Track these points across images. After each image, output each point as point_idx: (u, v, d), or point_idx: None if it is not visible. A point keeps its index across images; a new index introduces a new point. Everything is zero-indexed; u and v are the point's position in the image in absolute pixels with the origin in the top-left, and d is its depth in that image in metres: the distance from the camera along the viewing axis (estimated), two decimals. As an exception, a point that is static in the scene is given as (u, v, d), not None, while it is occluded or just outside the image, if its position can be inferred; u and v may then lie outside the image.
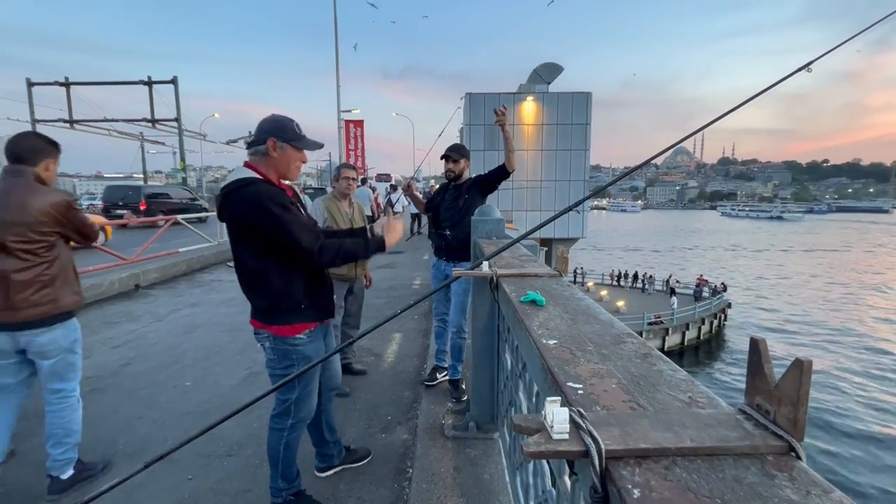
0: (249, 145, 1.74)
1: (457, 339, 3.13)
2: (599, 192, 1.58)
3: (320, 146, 1.84)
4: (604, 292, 27.86)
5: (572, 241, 22.89)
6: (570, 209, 1.35)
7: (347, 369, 3.52)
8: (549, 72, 21.97)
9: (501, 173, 3.04)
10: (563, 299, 1.18)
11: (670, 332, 22.63)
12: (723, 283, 29.91)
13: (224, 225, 1.72)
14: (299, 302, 1.75)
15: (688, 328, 23.25)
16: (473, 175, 3.52)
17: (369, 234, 1.86)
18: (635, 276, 31.93)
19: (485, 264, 1.45)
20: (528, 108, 21.22)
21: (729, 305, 28.05)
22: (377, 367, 3.77)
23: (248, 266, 1.69)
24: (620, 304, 25.00)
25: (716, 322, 25.62)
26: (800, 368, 0.50)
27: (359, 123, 24.54)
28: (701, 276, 31.81)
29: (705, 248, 61.41)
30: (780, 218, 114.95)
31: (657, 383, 0.68)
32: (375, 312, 5.15)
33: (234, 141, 36.80)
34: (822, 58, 1.46)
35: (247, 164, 1.74)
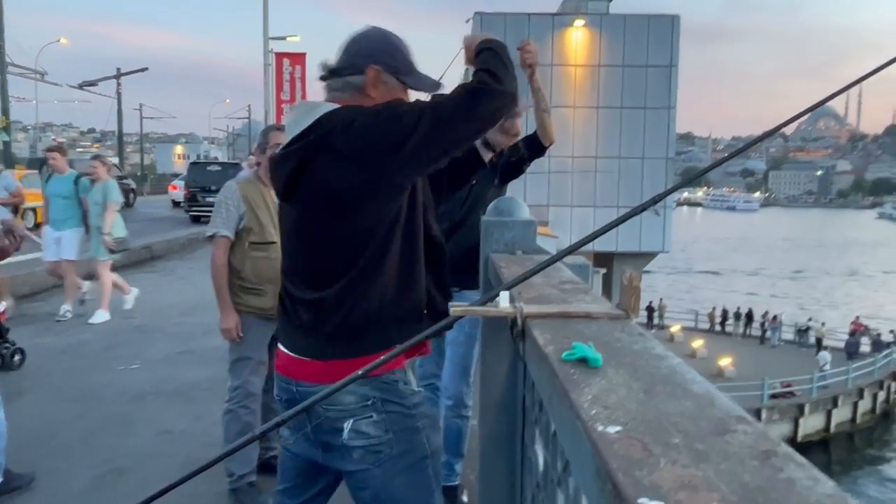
0: (330, 73, 1.78)
1: (455, 419, 3.15)
2: (692, 182, 1.61)
3: (438, 86, 1.87)
4: (697, 343, 28.06)
5: (648, 257, 23.05)
6: (643, 208, 1.37)
7: (270, 468, 3.50)
8: (610, -20, 22.36)
9: (532, 148, 3.09)
10: (630, 357, 1.18)
11: (807, 410, 22.73)
12: (893, 332, 30.14)
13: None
14: (386, 310, 1.76)
15: (836, 404, 23.39)
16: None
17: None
18: (749, 318, 32.16)
19: (503, 296, 1.46)
20: (577, 40, 21.53)
21: (904, 368, 28.27)
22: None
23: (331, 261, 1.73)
24: (724, 362, 25.18)
25: (883, 394, 25.81)
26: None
27: (298, 58, 24.79)
28: (857, 318, 32.10)
29: (859, 272, 61.84)
30: None
31: (786, 501, 0.68)
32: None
33: (93, 83, 37.08)
34: None
35: (334, 102, 1.76)
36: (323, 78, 1.80)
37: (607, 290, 20.89)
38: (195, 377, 5.40)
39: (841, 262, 69.93)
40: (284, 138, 1.79)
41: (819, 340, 29.49)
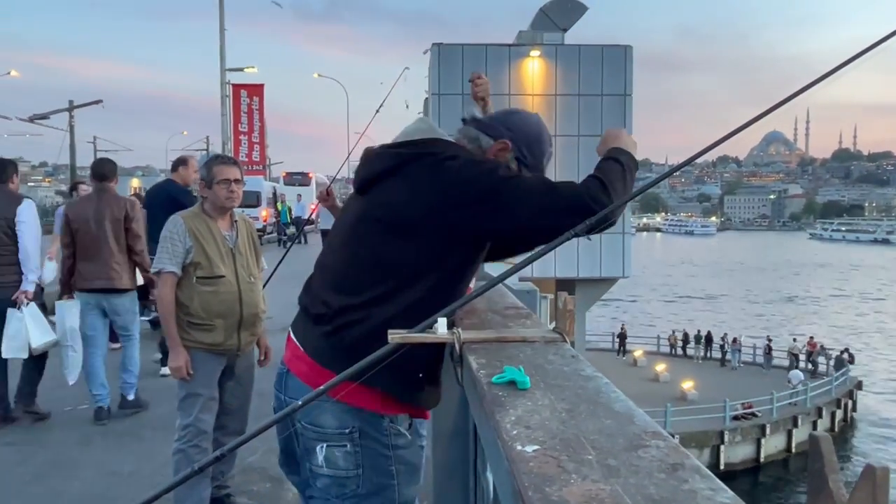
0: (473, 120, 1.89)
1: (409, 448, 3.12)
2: (631, 199, 1.68)
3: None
4: (660, 367, 28.37)
5: (609, 282, 23.37)
6: (572, 235, 1.41)
7: (223, 506, 3.44)
8: (564, 11, 22.99)
9: None
10: (560, 378, 1.22)
11: (768, 430, 23.09)
12: (846, 350, 30.94)
13: None
14: (417, 363, 1.66)
15: (796, 424, 23.83)
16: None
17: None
18: (709, 340, 32.69)
19: (441, 322, 1.48)
20: (533, 70, 22.03)
21: (859, 386, 29.00)
22: (276, 500, 3.75)
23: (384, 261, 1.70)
24: (687, 385, 25.49)
25: (840, 413, 26.41)
26: (871, 479, 0.55)
27: (256, 89, 24.79)
28: (812, 338, 32.91)
29: (808, 293, 63.67)
30: (885, 241, 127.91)
31: (686, 511, 0.72)
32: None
33: (44, 117, 36.34)
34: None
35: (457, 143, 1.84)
36: (465, 120, 1.91)
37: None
38: (145, 415, 5.27)
39: (786, 281, 71.98)
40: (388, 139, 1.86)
41: (796, 356, 30.10)
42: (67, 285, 5.17)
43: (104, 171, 5.32)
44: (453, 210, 1.62)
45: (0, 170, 4.99)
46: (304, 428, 1.72)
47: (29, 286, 4.82)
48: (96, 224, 5.04)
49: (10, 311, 4.74)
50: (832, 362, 29.86)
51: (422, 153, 1.71)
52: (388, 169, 1.73)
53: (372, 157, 1.81)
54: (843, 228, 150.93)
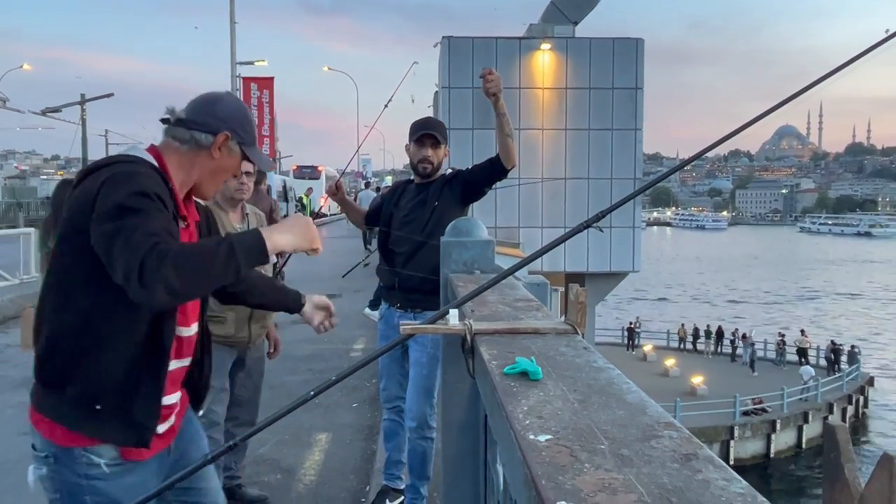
0: (177, 122, 1.82)
1: (419, 440, 3.15)
2: (641, 193, 1.67)
3: (272, 165, 2.05)
4: (670, 361, 28.27)
5: (619, 277, 23.31)
6: (585, 226, 1.41)
7: (234, 496, 3.47)
8: (575, 4, 22.87)
9: (494, 170, 3.14)
10: (571, 370, 1.22)
11: (779, 426, 22.98)
12: (854, 346, 30.66)
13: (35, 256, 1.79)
14: (92, 394, 1.67)
15: (807, 420, 23.70)
16: (451, 169, 3.60)
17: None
18: (719, 335, 32.52)
19: (452, 313, 1.48)
20: (544, 63, 21.93)
21: (871, 382, 28.80)
22: (287, 492, 3.76)
23: (54, 300, 1.70)
24: (697, 380, 25.40)
25: (852, 409, 26.25)
26: (889, 468, 0.54)
27: (266, 82, 24.84)
28: (803, 331, 32.68)
29: (821, 287, 63.52)
30: (868, 234, 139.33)
31: (700, 500, 0.72)
32: (287, 398, 5.10)
33: (56, 110, 36.58)
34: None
35: (151, 149, 1.80)
36: (165, 121, 1.83)
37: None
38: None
39: (796, 274, 71.89)
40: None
41: (804, 352, 29.95)
42: None
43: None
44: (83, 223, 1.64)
45: None
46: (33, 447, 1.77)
47: None
48: None
49: None
50: (844, 358, 29.66)
51: (93, 170, 1.73)
52: (61, 197, 1.89)
53: (60, 191, 1.90)
54: (830, 222, 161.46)
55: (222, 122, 1.81)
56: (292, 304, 2.35)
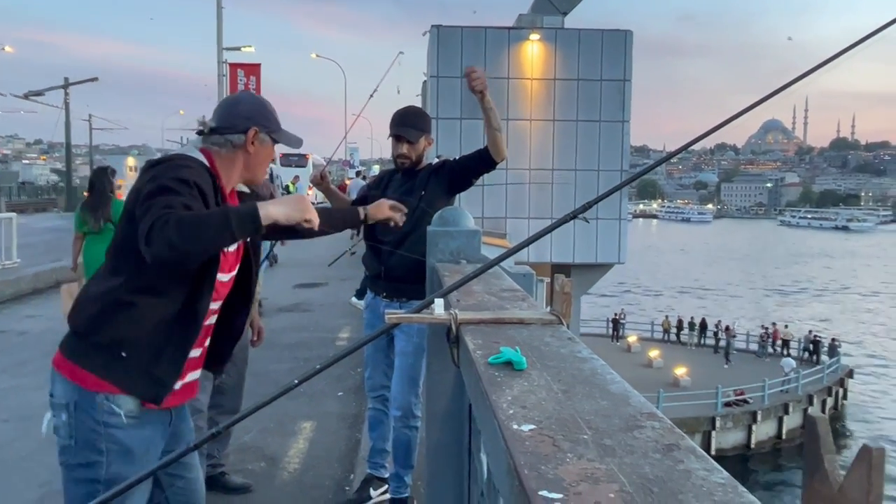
0: (211, 131, 2.02)
1: (404, 430, 3.15)
2: (627, 185, 1.65)
3: (300, 142, 2.18)
4: (654, 352, 28.49)
5: (604, 268, 23.43)
6: (571, 216, 1.41)
7: (217, 484, 3.46)
8: (565, -4, 22.83)
9: (482, 162, 3.14)
10: (556, 360, 1.22)
11: (760, 417, 23.27)
12: (834, 339, 31.06)
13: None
14: (120, 343, 1.81)
15: (787, 411, 24.01)
16: (438, 157, 3.58)
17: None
18: (703, 327, 32.82)
19: (438, 303, 1.48)
20: (533, 54, 21.89)
21: (850, 374, 29.21)
22: (271, 480, 3.76)
23: (107, 264, 1.92)
24: (680, 371, 25.63)
25: (831, 400, 26.62)
26: (867, 460, 0.55)
27: (253, 68, 24.58)
28: (774, 324, 32.95)
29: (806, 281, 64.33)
30: (845, 228, 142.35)
31: (681, 490, 0.72)
32: (272, 386, 5.09)
33: (39, 93, 36.05)
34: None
35: (203, 150, 2.01)
36: (201, 133, 2.03)
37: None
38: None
39: (779, 270, 72.83)
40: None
41: (786, 343, 30.33)
42: None
43: None
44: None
45: None
46: (51, 396, 1.88)
47: None
48: None
49: None
50: (824, 349, 30.06)
51: (154, 165, 1.92)
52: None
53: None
54: (809, 216, 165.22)
55: (248, 120, 2.01)
56: (355, 221, 2.60)
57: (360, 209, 2.54)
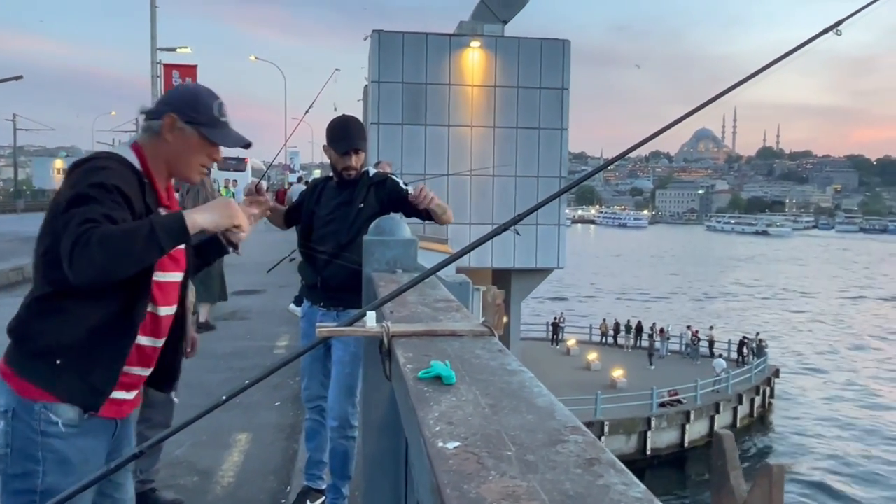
0: (146, 116, 1.95)
1: (341, 440, 3.13)
2: (567, 192, 1.68)
3: (245, 144, 2.02)
4: (592, 356, 29.07)
5: (544, 273, 23.81)
6: (504, 228, 1.43)
7: (148, 501, 3.35)
8: (505, 3, 23.13)
9: (423, 215, 3.17)
10: (485, 373, 1.23)
11: (692, 417, 24.02)
12: (758, 337, 32.37)
13: None
14: (54, 350, 1.77)
15: (718, 410, 24.86)
16: (377, 164, 3.57)
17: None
18: (638, 330, 33.73)
19: (370, 316, 1.47)
20: (473, 61, 22.08)
21: (776, 373, 30.49)
22: (203, 495, 3.68)
23: (39, 272, 1.86)
24: (617, 374, 26.21)
25: (759, 399, 27.72)
26: (768, 477, 0.57)
27: (189, 70, 24.00)
28: (689, 326, 34.21)
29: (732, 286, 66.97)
30: (765, 233, 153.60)
31: (599, 506, 0.73)
32: (206, 398, 4.96)
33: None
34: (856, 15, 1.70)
35: (134, 146, 1.92)
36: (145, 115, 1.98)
37: (508, 307, 21.32)
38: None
39: (710, 274, 75.71)
40: None
41: (711, 343, 31.50)
42: None
43: None
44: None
45: None
46: None
47: None
48: None
49: None
50: (753, 347, 31.32)
51: (72, 168, 1.87)
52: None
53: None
54: (733, 221, 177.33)
55: (166, 105, 1.91)
56: (220, 247, 2.23)
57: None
